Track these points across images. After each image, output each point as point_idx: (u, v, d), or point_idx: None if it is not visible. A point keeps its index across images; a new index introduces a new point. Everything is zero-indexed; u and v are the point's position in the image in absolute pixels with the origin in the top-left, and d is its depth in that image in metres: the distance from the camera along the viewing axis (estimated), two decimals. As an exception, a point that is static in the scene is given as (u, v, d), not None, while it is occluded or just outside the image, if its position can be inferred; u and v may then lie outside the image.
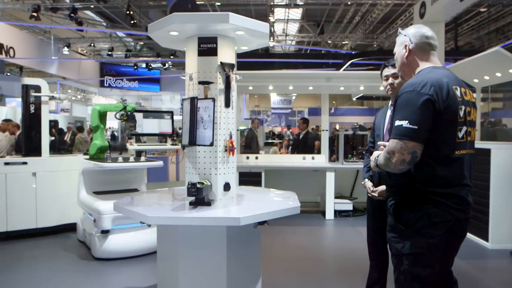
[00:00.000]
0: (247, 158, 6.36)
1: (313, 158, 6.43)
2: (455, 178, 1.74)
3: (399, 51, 1.94)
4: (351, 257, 4.15)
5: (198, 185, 2.36)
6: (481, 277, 3.61)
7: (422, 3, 6.39)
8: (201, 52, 2.58)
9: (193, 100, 2.49)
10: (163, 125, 5.90)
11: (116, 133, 17.90)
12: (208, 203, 2.45)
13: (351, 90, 6.57)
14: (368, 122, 15.50)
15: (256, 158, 6.47)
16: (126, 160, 4.40)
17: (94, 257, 4.00)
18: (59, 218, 4.89)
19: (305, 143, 7.89)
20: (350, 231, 5.28)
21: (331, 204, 5.87)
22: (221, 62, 2.57)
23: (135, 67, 21.07)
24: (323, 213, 6.06)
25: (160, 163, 4.52)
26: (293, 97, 24.22)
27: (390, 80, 2.66)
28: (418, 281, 1.75)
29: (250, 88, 6.14)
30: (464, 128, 1.75)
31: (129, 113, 4.61)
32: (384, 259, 2.82)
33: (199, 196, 2.37)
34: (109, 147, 4.68)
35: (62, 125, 13.73)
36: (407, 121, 1.66)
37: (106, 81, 21.02)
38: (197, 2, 11.81)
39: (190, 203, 2.42)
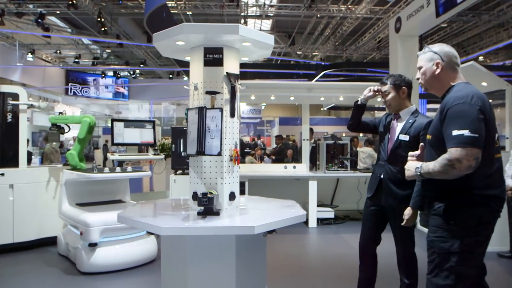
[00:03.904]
0: (229, 167, 6.35)
1: (294, 167, 6.53)
2: (499, 180, 1.95)
3: (429, 67, 2.10)
4: (342, 264, 4.24)
5: (209, 195, 2.36)
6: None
7: (398, 18, 6.69)
8: (207, 62, 2.59)
9: (201, 110, 2.50)
10: (145, 135, 5.81)
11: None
12: (217, 213, 2.45)
13: (331, 101, 6.76)
14: (338, 131, 15.84)
15: (239, 167, 6.47)
16: (112, 170, 4.30)
17: (80, 271, 3.84)
18: (38, 232, 4.67)
19: None
20: (335, 238, 5.39)
21: (314, 212, 5.96)
22: (227, 73, 2.60)
23: (103, 75, 20.55)
24: (305, 221, 6.13)
25: (148, 173, 4.45)
26: (263, 107, 24.45)
27: (384, 98, 2.85)
28: (462, 278, 1.89)
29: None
30: (496, 135, 1.97)
31: None
32: (374, 263, 2.94)
33: (210, 205, 2.37)
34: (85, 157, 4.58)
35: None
36: (467, 130, 1.81)
37: (71, 89, 20.31)
38: (171, 11, 11.77)
39: (199, 213, 2.41)
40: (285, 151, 11.16)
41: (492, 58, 16.60)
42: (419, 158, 2.10)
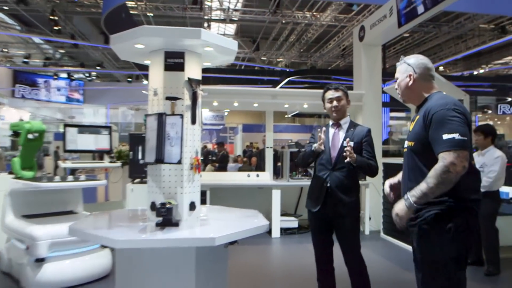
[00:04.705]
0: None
1: (257, 175, 6.45)
2: (479, 183, 2.02)
3: (403, 79, 2.14)
4: (305, 274, 4.18)
5: (168, 205, 2.23)
6: None
7: (361, 27, 6.82)
8: (168, 67, 2.48)
9: (161, 116, 2.36)
10: (100, 141, 5.54)
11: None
12: (176, 224, 2.31)
13: (296, 108, 6.77)
14: (303, 139, 15.96)
15: (200, 176, 6.31)
16: (63, 179, 4.02)
17: (25, 289, 3.54)
18: (-22, 246, 4.27)
19: None
20: (298, 248, 5.35)
21: (277, 222, 5.89)
22: (188, 78, 2.49)
23: (55, 77, 19.51)
24: (268, 231, 6.05)
25: (103, 182, 4.21)
26: (225, 113, 24.27)
27: (335, 103, 2.88)
28: (460, 283, 1.91)
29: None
30: None
31: None
32: (331, 271, 2.97)
33: (168, 216, 2.24)
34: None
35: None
36: (457, 134, 1.83)
37: (19, 91, 19.08)
38: (131, 12, 11.43)
39: (157, 224, 2.27)
40: (227, 159, 11.13)
41: (451, 68, 17.48)
42: (395, 188, 2.21)
